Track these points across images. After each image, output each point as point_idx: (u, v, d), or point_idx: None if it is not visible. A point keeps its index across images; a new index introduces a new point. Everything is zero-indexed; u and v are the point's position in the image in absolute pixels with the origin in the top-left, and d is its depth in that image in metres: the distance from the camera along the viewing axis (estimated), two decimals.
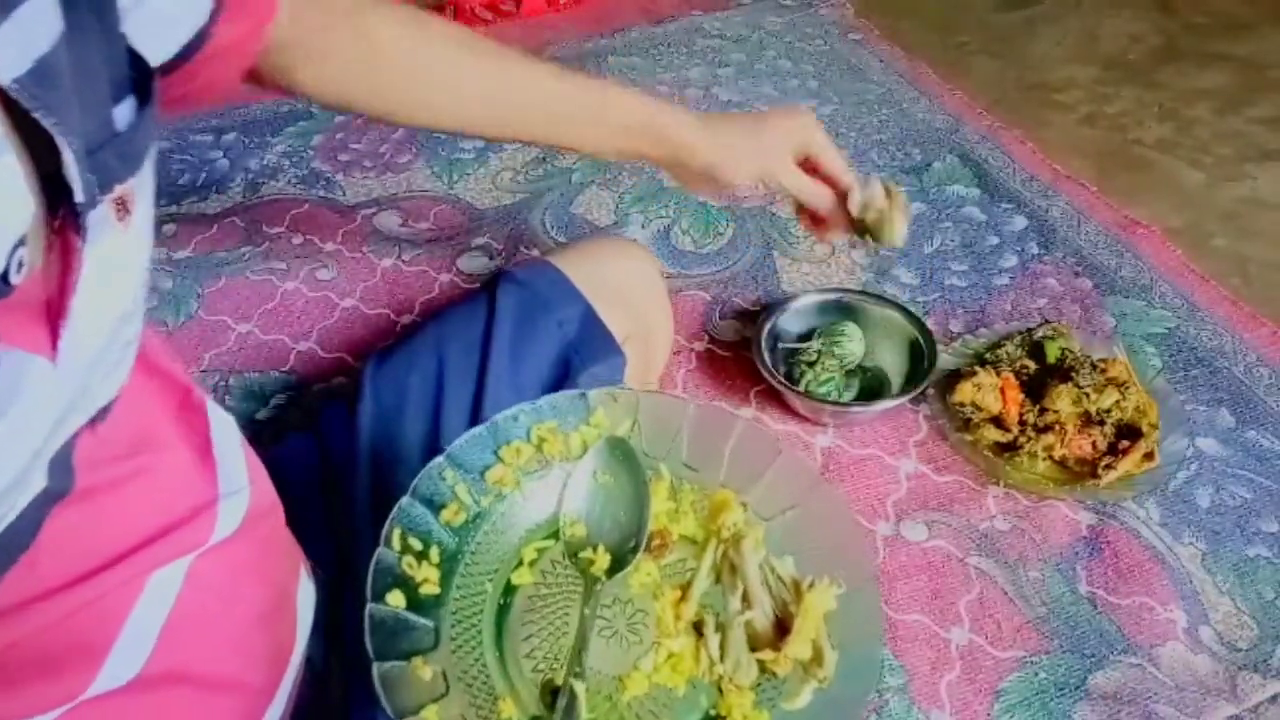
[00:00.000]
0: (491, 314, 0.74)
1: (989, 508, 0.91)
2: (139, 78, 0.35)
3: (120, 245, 0.35)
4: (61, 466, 0.37)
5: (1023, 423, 0.95)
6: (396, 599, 0.46)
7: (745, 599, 0.48)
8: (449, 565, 0.49)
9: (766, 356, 1.00)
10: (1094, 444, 0.92)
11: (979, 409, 0.96)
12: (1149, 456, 0.91)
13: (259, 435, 1.00)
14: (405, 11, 0.67)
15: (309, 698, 0.57)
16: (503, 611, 0.50)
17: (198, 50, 0.44)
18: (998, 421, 0.96)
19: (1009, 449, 0.94)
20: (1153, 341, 1.07)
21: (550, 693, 0.46)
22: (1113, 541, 0.88)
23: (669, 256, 1.21)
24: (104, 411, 0.39)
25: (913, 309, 1.05)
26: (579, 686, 0.44)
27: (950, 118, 1.44)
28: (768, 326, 1.03)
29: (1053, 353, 0.99)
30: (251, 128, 1.44)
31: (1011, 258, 1.19)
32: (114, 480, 0.42)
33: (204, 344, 1.09)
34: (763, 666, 0.46)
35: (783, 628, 0.47)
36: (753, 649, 0.47)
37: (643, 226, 1.26)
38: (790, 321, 1.05)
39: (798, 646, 0.46)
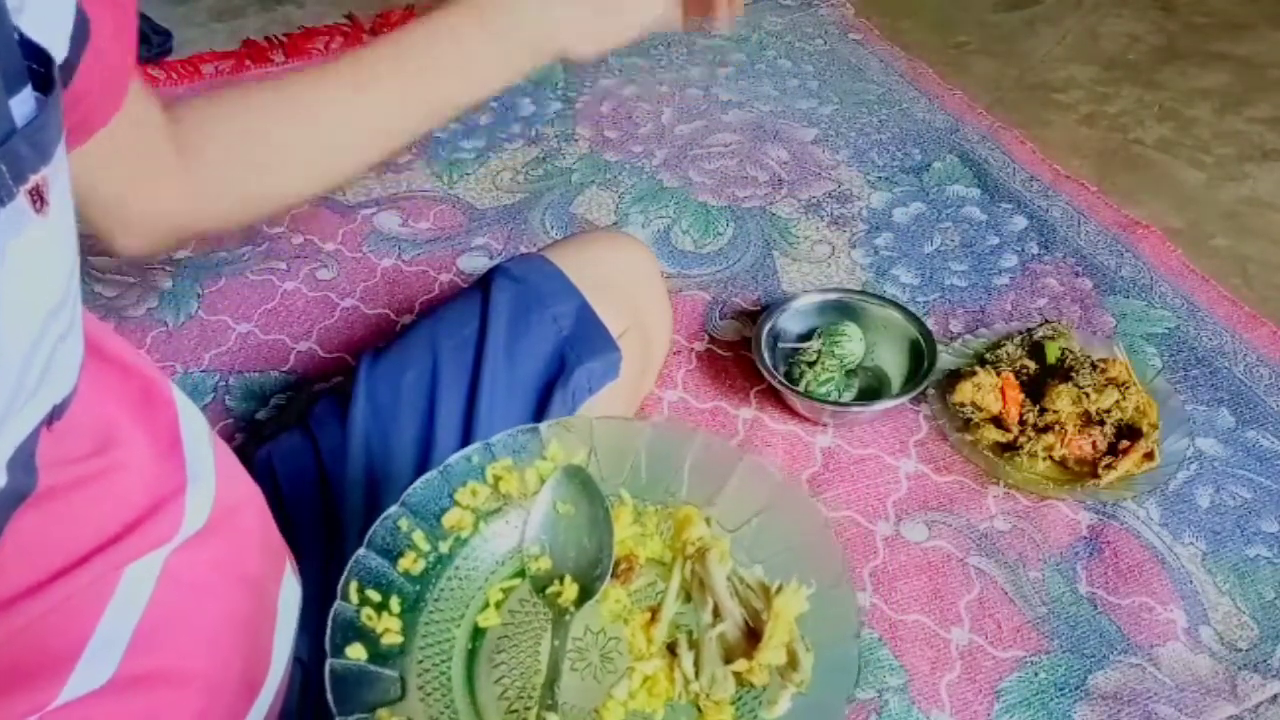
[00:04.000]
0: (486, 310, 0.73)
1: (989, 508, 0.91)
2: (39, 69, 0.35)
3: (41, 237, 0.35)
4: (23, 466, 0.37)
5: (1023, 423, 0.95)
6: (357, 652, 0.45)
7: (716, 613, 0.47)
8: (410, 615, 0.48)
9: (766, 356, 1.00)
10: (1094, 444, 0.92)
11: (979, 409, 0.95)
12: (1149, 456, 0.91)
13: (259, 435, 1.00)
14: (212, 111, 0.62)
15: (298, 696, 0.57)
16: (471, 656, 0.49)
17: (85, 45, 0.42)
18: (998, 421, 0.96)
19: (1009, 449, 0.94)
20: (1153, 341, 1.07)
21: None
22: (1113, 541, 0.88)
23: (669, 256, 1.21)
24: (59, 409, 0.38)
25: (913, 309, 1.05)
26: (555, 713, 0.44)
27: (950, 117, 1.44)
28: (768, 326, 1.03)
29: (1053, 353, 0.99)
30: None
31: (1011, 258, 1.19)
32: (78, 479, 0.41)
33: (204, 344, 1.09)
34: (740, 679, 0.46)
35: (756, 636, 0.46)
36: (728, 662, 0.46)
37: (643, 226, 1.26)
38: (790, 321, 1.05)
39: (770, 653, 0.45)
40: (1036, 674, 0.79)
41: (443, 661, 0.48)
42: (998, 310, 1.12)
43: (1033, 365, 0.99)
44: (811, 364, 0.99)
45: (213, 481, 0.49)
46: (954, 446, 0.95)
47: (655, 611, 0.48)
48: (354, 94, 0.62)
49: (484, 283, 0.77)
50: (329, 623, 0.45)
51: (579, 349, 0.72)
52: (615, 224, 1.27)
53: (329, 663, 0.44)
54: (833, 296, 1.07)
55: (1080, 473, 0.92)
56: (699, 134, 1.43)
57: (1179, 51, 1.60)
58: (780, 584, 0.46)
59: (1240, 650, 0.80)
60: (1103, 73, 1.56)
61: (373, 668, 0.45)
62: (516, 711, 0.47)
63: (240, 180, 0.61)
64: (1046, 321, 1.04)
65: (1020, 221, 1.25)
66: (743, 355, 1.05)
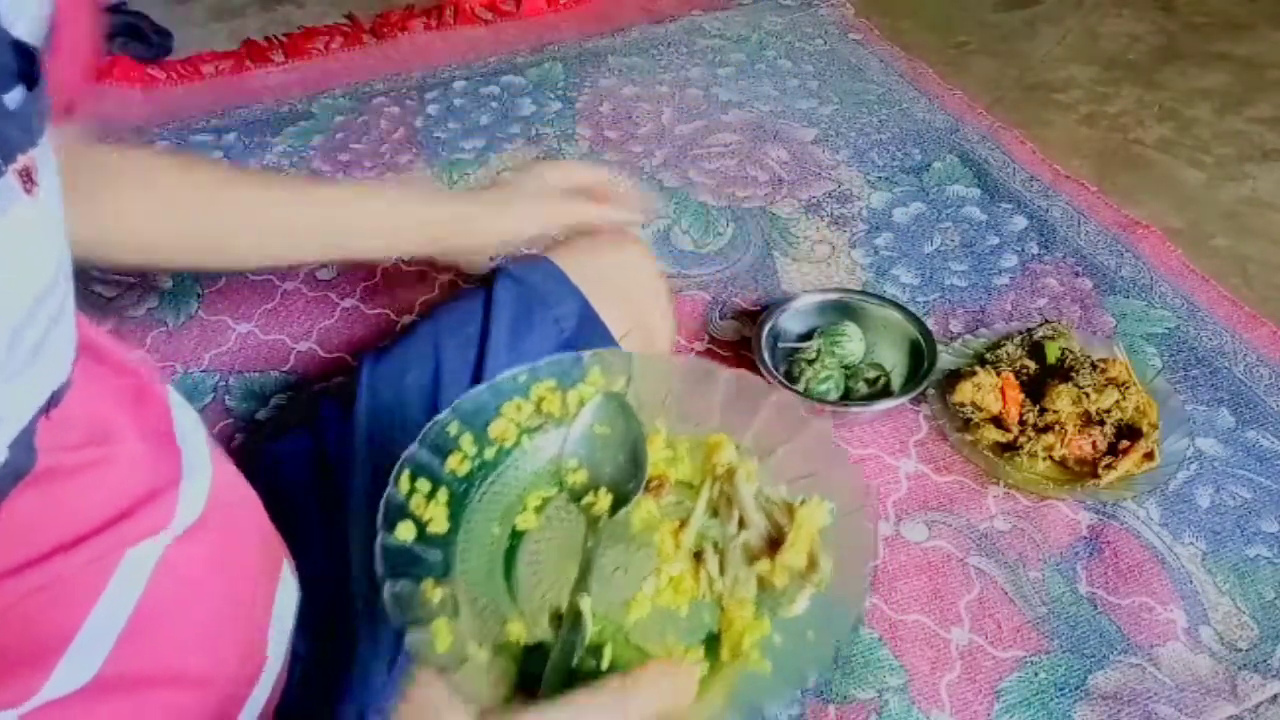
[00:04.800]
0: (488, 311, 0.74)
1: (989, 508, 0.91)
2: (24, 67, 0.35)
3: (30, 218, 0.35)
4: (24, 447, 0.38)
5: (1023, 423, 0.95)
6: (407, 530, 0.48)
7: (741, 525, 0.50)
8: (456, 508, 0.51)
9: (766, 356, 1.00)
10: (1094, 444, 0.92)
11: (979, 409, 0.95)
12: (1149, 456, 0.91)
13: (259, 435, 1.00)
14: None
15: (294, 693, 0.57)
16: (510, 553, 0.52)
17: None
18: (998, 421, 0.96)
19: (1009, 449, 0.94)
20: (1153, 341, 1.07)
21: (557, 618, 0.47)
22: (1113, 541, 0.88)
23: (669, 256, 1.21)
24: (56, 397, 0.39)
25: (913, 309, 1.05)
26: (585, 603, 0.46)
27: (950, 117, 1.44)
28: (768, 326, 1.03)
29: (1053, 353, 0.99)
30: (251, 128, 1.44)
31: (1011, 258, 1.19)
32: (76, 464, 0.42)
33: (204, 344, 1.09)
34: (761, 581, 0.48)
35: (778, 547, 0.49)
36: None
37: (643, 226, 1.26)
38: (790, 321, 1.05)
39: (792, 554, 0.47)
40: (1036, 674, 0.79)
41: (483, 551, 0.51)
42: (998, 310, 1.12)
43: (1033, 365, 0.99)
44: (811, 363, 0.99)
45: (208, 476, 0.50)
46: (954, 446, 0.95)
47: (683, 523, 0.51)
48: (281, 231, 0.67)
49: (486, 283, 0.77)
50: (381, 505, 0.47)
51: (581, 350, 0.73)
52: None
53: (380, 536, 0.46)
54: (833, 296, 1.07)
55: (1080, 473, 0.92)
56: (699, 134, 1.43)
57: (1179, 51, 1.60)
58: (804, 499, 0.49)
59: (1240, 650, 0.80)
60: (1103, 73, 1.56)
61: (419, 547, 0.48)
62: (549, 597, 0.49)
63: (140, 246, 0.65)
64: (1046, 321, 1.04)
65: (1020, 221, 1.25)
66: (743, 355, 1.05)
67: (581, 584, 0.48)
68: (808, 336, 1.04)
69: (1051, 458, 0.93)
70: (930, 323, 1.06)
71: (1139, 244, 1.20)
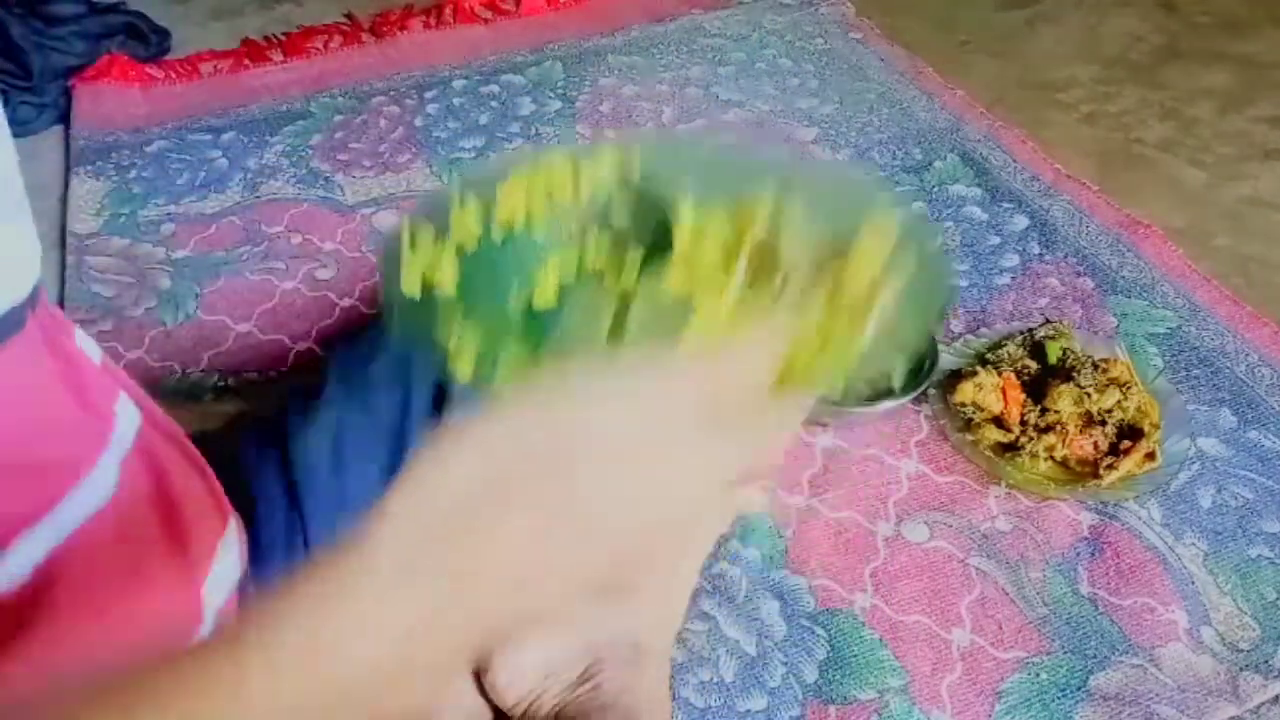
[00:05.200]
0: None
1: (990, 508, 0.91)
2: None
3: None
4: None
5: (1024, 423, 0.94)
6: (414, 285, 0.43)
7: (786, 279, 0.43)
8: (467, 277, 0.45)
9: None
10: (1095, 444, 0.92)
11: (980, 409, 0.95)
12: (1150, 457, 0.91)
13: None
14: None
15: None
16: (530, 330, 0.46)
17: None
18: (999, 422, 0.95)
19: (1010, 449, 0.94)
20: (1154, 341, 1.07)
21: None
22: (1114, 542, 0.87)
23: None
24: (8, 324, 0.39)
25: None
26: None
27: (951, 117, 1.44)
28: None
29: (1054, 353, 0.99)
30: (250, 127, 1.44)
31: (1013, 257, 1.19)
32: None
33: (203, 344, 1.09)
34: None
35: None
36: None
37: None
38: None
39: (858, 270, 0.41)
40: (1038, 675, 0.79)
41: (499, 326, 0.45)
42: (999, 310, 1.12)
43: (1034, 365, 0.99)
44: None
45: (137, 423, 0.49)
46: (955, 447, 0.95)
47: (722, 290, 0.44)
48: None
49: None
50: (381, 261, 0.43)
51: None
52: None
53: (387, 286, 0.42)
54: None
55: (1082, 473, 0.92)
56: (699, 133, 1.42)
57: (1181, 51, 1.60)
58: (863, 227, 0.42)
59: (1242, 651, 0.80)
60: (1104, 72, 1.56)
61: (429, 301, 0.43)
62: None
63: None
64: (1048, 321, 1.04)
65: (1021, 221, 1.24)
66: None
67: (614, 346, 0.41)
68: None
69: (1053, 458, 0.93)
70: None
71: (1141, 243, 1.19)
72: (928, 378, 0.97)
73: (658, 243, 0.46)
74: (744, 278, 0.43)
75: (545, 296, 0.45)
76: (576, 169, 0.49)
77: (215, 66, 1.59)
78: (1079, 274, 1.16)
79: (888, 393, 0.99)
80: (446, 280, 0.44)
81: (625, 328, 0.43)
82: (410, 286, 0.42)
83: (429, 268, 0.44)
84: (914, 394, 0.97)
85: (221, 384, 1.04)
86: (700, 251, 0.45)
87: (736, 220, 0.46)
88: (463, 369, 0.39)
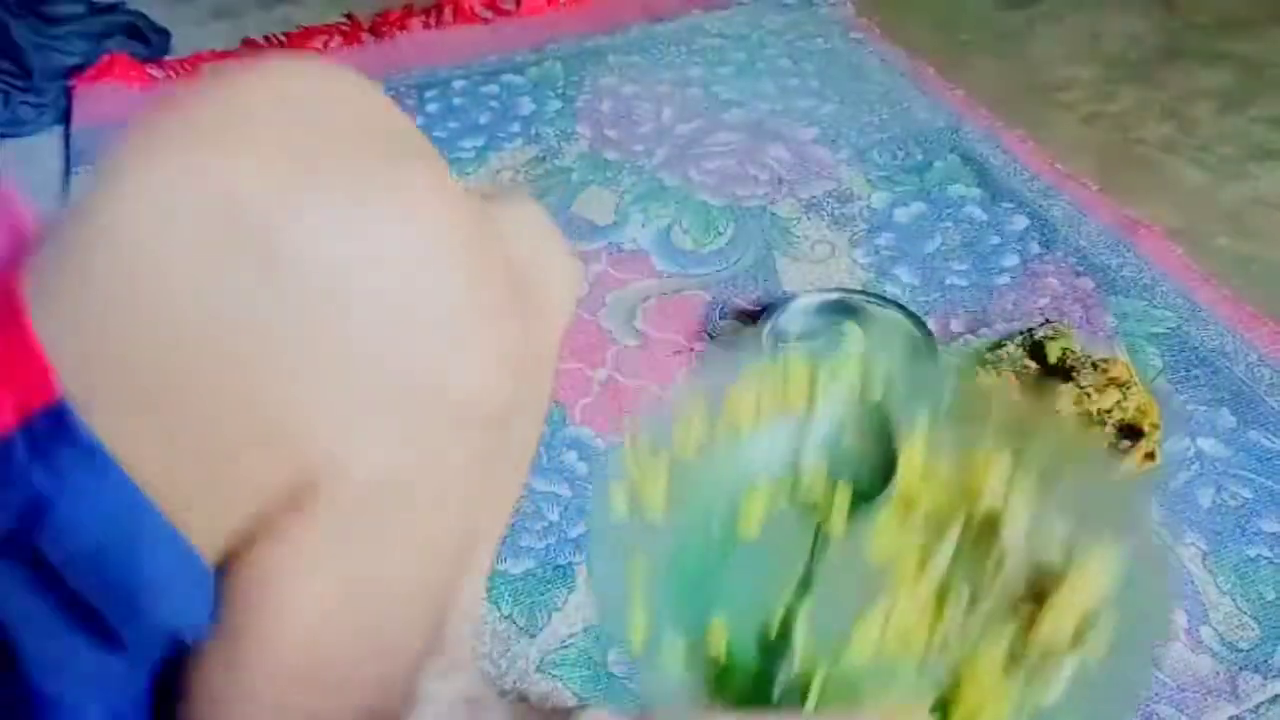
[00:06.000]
0: None
1: None
2: None
3: None
4: None
5: None
6: (621, 503, 0.41)
7: (1000, 565, 0.41)
8: (676, 490, 0.43)
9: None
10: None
11: None
12: (1150, 456, 0.91)
13: None
14: None
15: None
16: (723, 551, 0.45)
17: None
18: None
19: None
20: (1154, 341, 1.07)
21: (763, 638, 0.41)
22: None
23: (669, 256, 1.21)
24: None
25: (913, 309, 1.05)
26: (800, 622, 0.39)
27: (951, 117, 1.44)
28: (768, 326, 1.02)
29: (1054, 353, 0.99)
30: None
31: (1012, 257, 1.19)
32: None
33: None
34: (1014, 646, 0.39)
35: (1043, 601, 0.39)
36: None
37: (643, 225, 1.26)
38: (790, 321, 1.05)
39: (1061, 616, 0.38)
40: None
41: (697, 548, 0.44)
42: (998, 310, 1.12)
43: (1034, 365, 0.99)
44: None
45: None
46: None
47: (928, 555, 0.42)
48: None
49: None
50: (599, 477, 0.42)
51: None
52: (615, 223, 1.27)
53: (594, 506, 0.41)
54: (833, 296, 1.06)
55: None
56: (699, 133, 1.42)
57: (1181, 50, 1.60)
58: (1087, 544, 0.40)
59: (1241, 650, 0.80)
60: (1104, 72, 1.56)
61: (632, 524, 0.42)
62: (758, 609, 0.42)
63: None
64: (1048, 321, 1.04)
65: (1021, 221, 1.24)
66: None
67: (799, 600, 0.40)
68: (808, 336, 1.04)
69: None
70: (931, 323, 1.06)
71: (1140, 243, 1.19)
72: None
73: (882, 466, 0.44)
74: (950, 555, 0.41)
75: (748, 529, 0.44)
76: (814, 378, 0.47)
77: (215, 67, 1.59)
78: (1079, 274, 1.16)
79: None
80: (656, 497, 0.42)
81: (814, 576, 0.41)
82: (617, 504, 0.41)
83: (638, 482, 0.42)
84: None
85: None
86: (918, 497, 0.43)
87: (964, 474, 0.43)
88: (635, 645, 0.38)
